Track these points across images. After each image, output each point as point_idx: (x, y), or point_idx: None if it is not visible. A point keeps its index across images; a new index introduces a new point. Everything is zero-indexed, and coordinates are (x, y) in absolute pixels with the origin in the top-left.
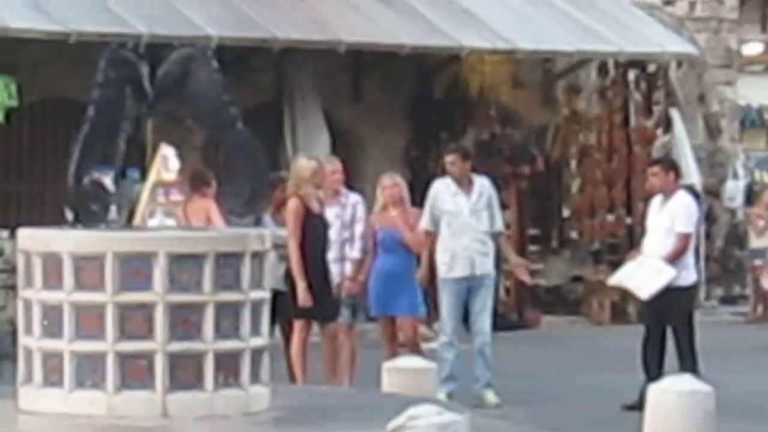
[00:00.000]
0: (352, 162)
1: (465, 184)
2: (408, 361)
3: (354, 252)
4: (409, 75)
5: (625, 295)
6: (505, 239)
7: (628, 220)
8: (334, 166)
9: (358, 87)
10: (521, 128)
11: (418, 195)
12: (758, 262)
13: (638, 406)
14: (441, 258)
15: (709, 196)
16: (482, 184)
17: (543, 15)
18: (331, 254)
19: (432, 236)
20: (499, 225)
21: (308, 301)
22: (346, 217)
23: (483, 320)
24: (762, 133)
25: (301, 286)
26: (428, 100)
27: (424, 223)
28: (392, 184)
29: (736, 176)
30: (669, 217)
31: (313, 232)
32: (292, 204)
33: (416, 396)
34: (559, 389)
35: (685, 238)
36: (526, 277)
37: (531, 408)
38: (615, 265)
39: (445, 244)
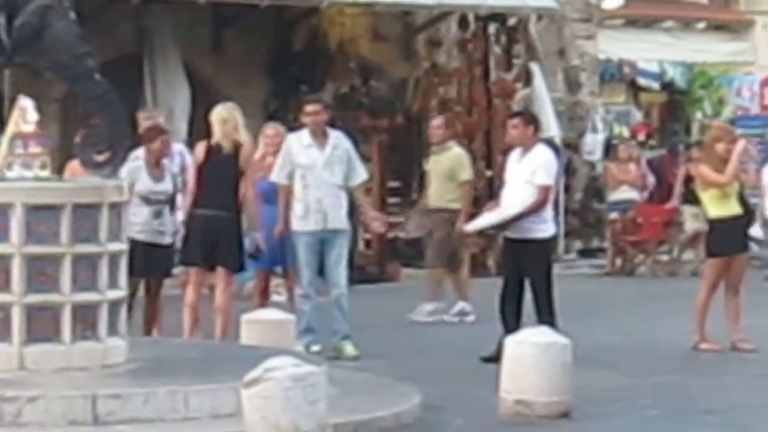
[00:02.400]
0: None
1: (320, 137)
2: (266, 314)
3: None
4: (269, 27)
5: (485, 248)
6: (362, 192)
7: (488, 173)
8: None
9: (219, 39)
10: (381, 81)
11: None
12: (614, 215)
13: (496, 358)
14: (295, 211)
15: (568, 149)
16: (337, 137)
17: None
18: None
19: (287, 189)
20: (359, 178)
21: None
22: (174, 167)
23: (339, 272)
24: (621, 88)
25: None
26: (288, 53)
27: (276, 176)
28: (274, 133)
29: (595, 130)
30: (528, 170)
31: (213, 171)
32: (198, 149)
33: (274, 348)
34: (418, 342)
35: (545, 190)
36: (380, 229)
37: (390, 360)
38: (474, 217)
39: (299, 197)
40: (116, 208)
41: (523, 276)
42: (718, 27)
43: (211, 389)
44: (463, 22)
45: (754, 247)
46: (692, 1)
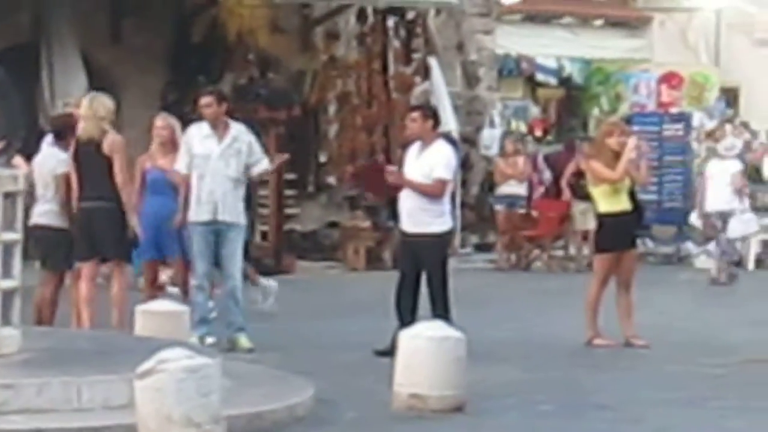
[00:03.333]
0: None
1: (220, 129)
2: (161, 305)
3: None
4: (169, 18)
5: (381, 241)
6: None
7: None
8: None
9: (117, 28)
10: (280, 73)
11: None
12: (498, 207)
13: (390, 351)
14: (190, 201)
15: (465, 143)
16: (239, 129)
17: None
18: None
19: (186, 178)
20: (260, 167)
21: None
22: None
23: (233, 264)
24: (519, 83)
25: (134, 220)
26: (186, 44)
27: (179, 166)
28: (162, 125)
29: (492, 124)
30: (427, 164)
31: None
32: (120, 138)
33: (168, 339)
34: (313, 335)
35: (442, 184)
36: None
37: (284, 353)
38: (370, 211)
39: (193, 187)
40: (11, 197)
41: (420, 269)
42: (615, 24)
43: (105, 380)
44: (361, 15)
45: (648, 243)
46: None
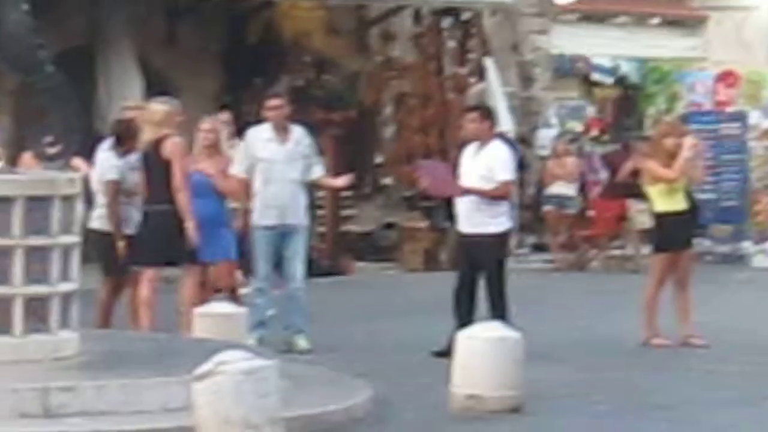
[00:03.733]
0: None
1: (281, 132)
2: (218, 307)
3: None
4: (223, 20)
5: (438, 242)
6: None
7: None
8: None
9: (172, 31)
10: (335, 75)
11: None
12: (548, 207)
13: (447, 352)
14: (255, 205)
15: (521, 144)
16: (300, 132)
17: None
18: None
19: (245, 183)
20: (318, 172)
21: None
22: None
23: (295, 266)
24: (574, 82)
25: (191, 224)
26: (242, 46)
27: (236, 169)
28: (210, 128)
29: (548, 125)
30: (484, 165)
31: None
32: (178, 142)
33: (225, 341)
34: (370, 336)
35: (507, 186)
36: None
37: (341, 354)
38: (428, 212)
39: (258, 191)
40: (69, 200)
41: (477, 270)
42: (671, 23)
43: (163, 382)
44: (417, 16)
45: (706, 242)
46: None
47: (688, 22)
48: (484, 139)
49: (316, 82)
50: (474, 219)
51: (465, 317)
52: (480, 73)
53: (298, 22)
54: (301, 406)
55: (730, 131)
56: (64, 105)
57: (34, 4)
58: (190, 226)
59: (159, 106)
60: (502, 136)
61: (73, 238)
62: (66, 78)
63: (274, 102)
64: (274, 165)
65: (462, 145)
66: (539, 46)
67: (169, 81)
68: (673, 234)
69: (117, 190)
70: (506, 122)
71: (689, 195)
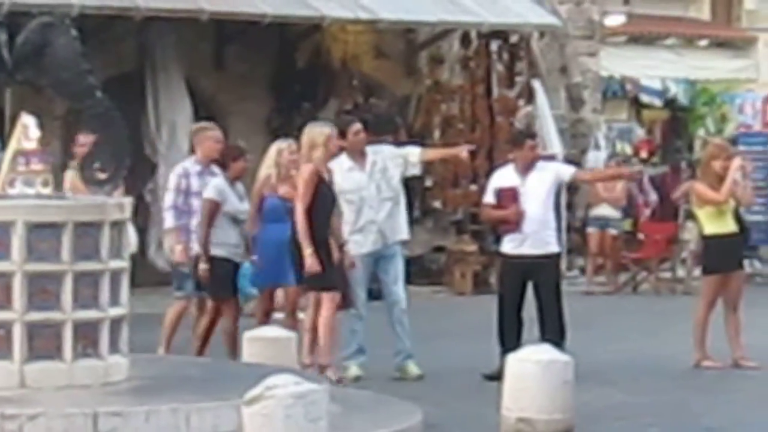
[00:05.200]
0: None
1: (358, 158)
2: (268, 331)
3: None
4: (271, 44)
5: (487, 265)
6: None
7: None
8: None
9: (220, 56)
10: (384, 98)
11: None
12: (590, 229)
13: (498, 375)
14: (351, 236)
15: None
16: (373, 151)
17: None
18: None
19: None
20: (414, 157)
21: (315, 266)
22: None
23: (398, 290)
24: (623, 105)
25: (308, 251)
26: (290, 70)
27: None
28: (293, 151)
29: (597, 147)
30: (542, 179)
31: (321, 200)
32: (307, 170)
33: (276, 366)
34: (420, 359)
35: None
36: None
37: (392, 377)
38: (477, 235)
39: (351, 221)
40: (117, 225)
41: (524, 293)
42: (720, 44)
43: (213, 407)
44: (465, 40)
45: (756, 264)
46: (694, 18)
47: (736, 44)
48: (531, 161)
49: (364, 105)
50: (540, 238)
51: (512, 340)
52: (528, 96)
53: (347, 46)
54: (351, 430)
55: None
56: (112, 130)
57: (82, 30)
58: (309, 252)
59: (319, 129)
60: (549, 159)
61: (123, 263)
62: (114, 104)
63: (356, 127)
64: (359, 193)
65: (492, 168)
66: (588, 68)
67: (217, 105)
68: (722, 256)
69: (213, 210)
70: (555, 145)
71: (738, 217)
